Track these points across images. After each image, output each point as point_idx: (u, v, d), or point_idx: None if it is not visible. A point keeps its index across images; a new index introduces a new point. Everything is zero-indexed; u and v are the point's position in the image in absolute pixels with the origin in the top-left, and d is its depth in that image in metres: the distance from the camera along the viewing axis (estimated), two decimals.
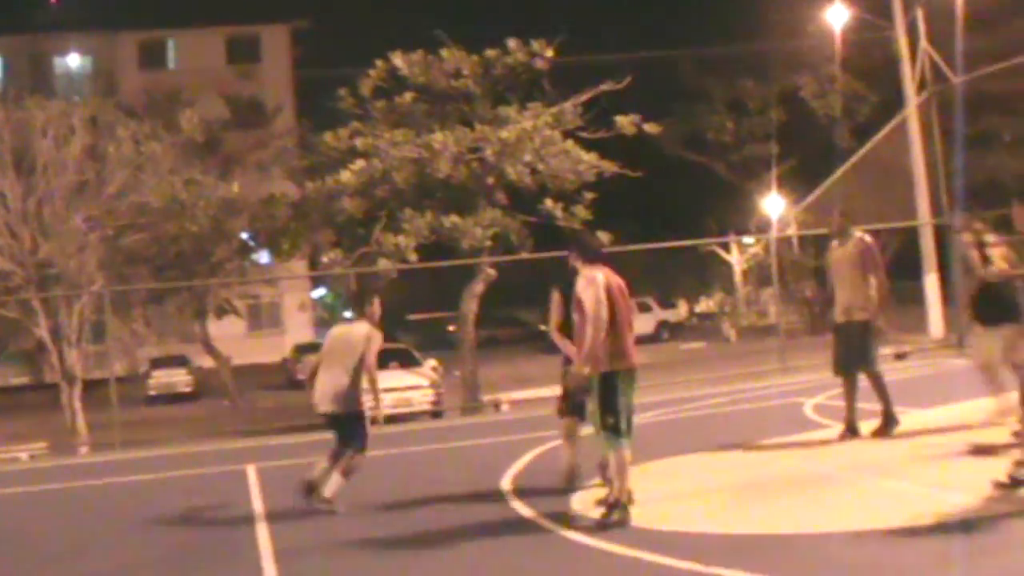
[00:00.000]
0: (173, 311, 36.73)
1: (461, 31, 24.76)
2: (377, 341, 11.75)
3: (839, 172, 27.50)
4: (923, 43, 27.99)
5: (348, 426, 11.80)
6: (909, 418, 13.55)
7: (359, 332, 11.84)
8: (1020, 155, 38.97)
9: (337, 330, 12.31)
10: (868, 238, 13.55)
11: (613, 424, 9.70)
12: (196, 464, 16.72)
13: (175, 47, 60.80)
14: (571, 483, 10.94)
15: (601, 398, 9.78)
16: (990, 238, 12.45)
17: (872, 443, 12.60)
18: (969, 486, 9.60)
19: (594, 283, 9.84)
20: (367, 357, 11.68)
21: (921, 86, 29.24)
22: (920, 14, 28.22)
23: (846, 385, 13.37)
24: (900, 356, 23.78)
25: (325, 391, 11.85)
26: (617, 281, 10.13)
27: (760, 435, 13.81)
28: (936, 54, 27.98)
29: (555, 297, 11.32)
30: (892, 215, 29.63)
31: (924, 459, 11.26)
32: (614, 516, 9.54)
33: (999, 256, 12.28)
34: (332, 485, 11.42)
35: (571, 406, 10.84)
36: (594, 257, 10.30)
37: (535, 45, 23.88)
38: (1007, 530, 8.31)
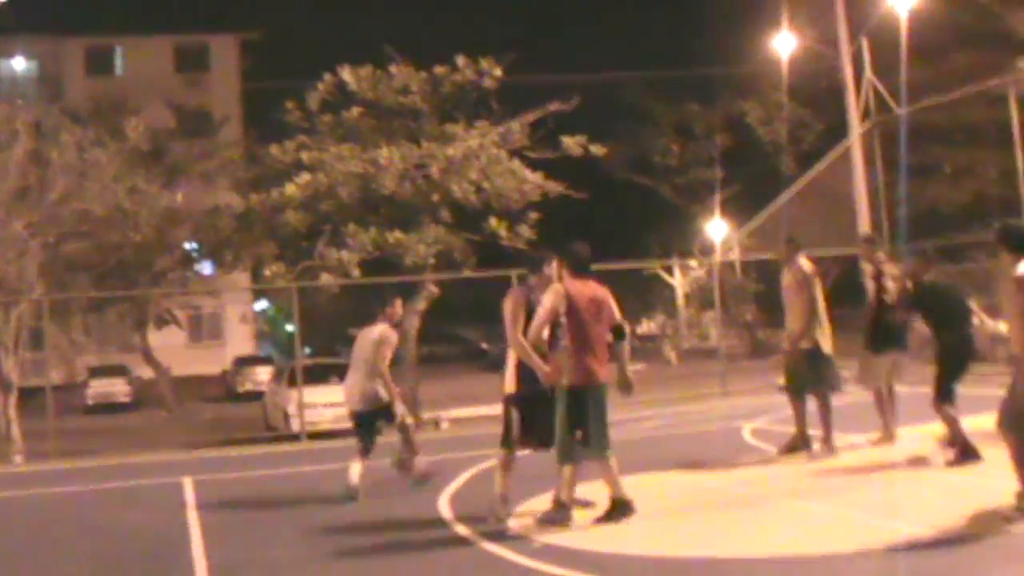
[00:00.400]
0: (113, 320, 36.47)
1: (411, 48, 24.80)
2: (390, 341, 12.62)
3: (782, 198, 27.70)
4: (867, 73, 28.28)
5: (374, 422, 12.84)
6: (846, 442, 13.72)
7: (374, 333, 12.76)
8: (960, 186, 39.49)
9: (361, 332, 13.14)
10: (805, 265, 13.74)
11: (582, 439, 10.05)
12: (132, 475, 16.63)
13: (123, 54, 60.37)
14: (501, 511, 10.81)
15: (567, 413, 10.05)
16: (890, 268, 13.66)
17: (809, 468, 12.72)
18: (906, 511, 9.73)
19: (550, 300, 10.14)
20: (377, 356, 12.50)
21: (865, 115, 29.53)
22: (865, 44, 28.52)
23: (795, 408, 13.66)
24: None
25: (352, 391, 12.89)
26: (593, 295, 10.32)
27: (698, 458, 13.88)
28: (880, 84, 28.29)
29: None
30: (834, 242, 29.87)
31: (861, 484, 11.37)
32: (554, 515, 10.00)
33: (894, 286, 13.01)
34: (418, 464, 12.81)
35: (510, 438, 10.80)
36: (582, 270, 10.50)
37: (484, 64, 23.93)
38: (939, 556, 8.39)
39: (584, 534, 9.74)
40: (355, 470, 12.50)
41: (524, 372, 10.54)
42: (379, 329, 12.76)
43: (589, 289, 10.35)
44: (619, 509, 10.09)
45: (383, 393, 12.70)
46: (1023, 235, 9.72)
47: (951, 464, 12.07)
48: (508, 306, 10.53)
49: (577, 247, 10.67)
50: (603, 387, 10.21)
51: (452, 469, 14.00)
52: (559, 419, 10.10)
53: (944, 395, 12.41)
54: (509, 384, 10.75)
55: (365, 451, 12.71)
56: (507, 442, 10.68)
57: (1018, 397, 9.24)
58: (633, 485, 10.96)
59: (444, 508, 11.47)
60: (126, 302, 33.42)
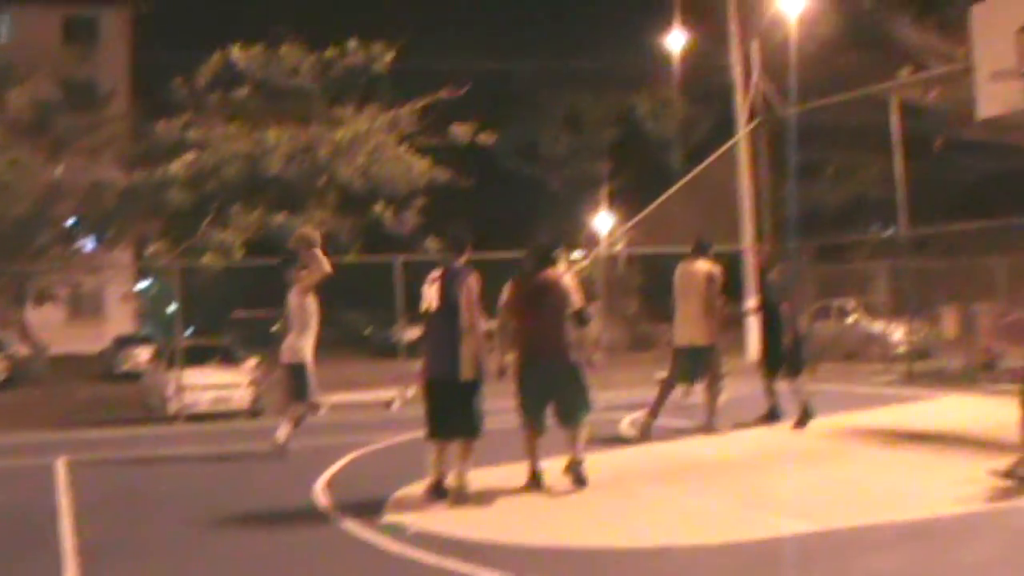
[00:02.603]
0: None
1: (303, 29, 24.64)
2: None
3: (669, 193, 27.93)
4: (756, 73, 28.62)
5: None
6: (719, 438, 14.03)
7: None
8: (841, 188, 40.19)
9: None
10: (711, 265, 15.06)
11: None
12: (3, 455, 16.36)
13: (8, 22, 59.08)
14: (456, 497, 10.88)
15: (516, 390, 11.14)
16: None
17: (689, 458, 12.98)
18: (777, 504, 9.94)
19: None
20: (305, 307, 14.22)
21: (752, 114, 29.89)
22: (755, 44, 28.87)
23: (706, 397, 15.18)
24: None
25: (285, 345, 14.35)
26: (540, 283, 11.08)
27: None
28: (769, 84, 28.65)
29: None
30: (718, 239, 30.18)
31: (734, 477, 11.58)
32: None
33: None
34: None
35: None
36: (543, 262, 11.24)
37: (375, 48, 23.86)
38: (804, 548, 8.57)
39: (460, 520, 9.79)
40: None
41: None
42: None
43: (537, 279, 11.20)
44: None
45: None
46: None
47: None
48: (475, 290, 10.70)
49: (457, 231, 10.94)
50: (541, 364, 11.06)
51: (331, 455, 13.97)
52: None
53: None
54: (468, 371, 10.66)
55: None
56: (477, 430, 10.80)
57: None
58: (508, 475, 11.08)
59: (320, 494, 11.45)
60: (4, 276, 32.76)
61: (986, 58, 16.59)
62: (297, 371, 14.20)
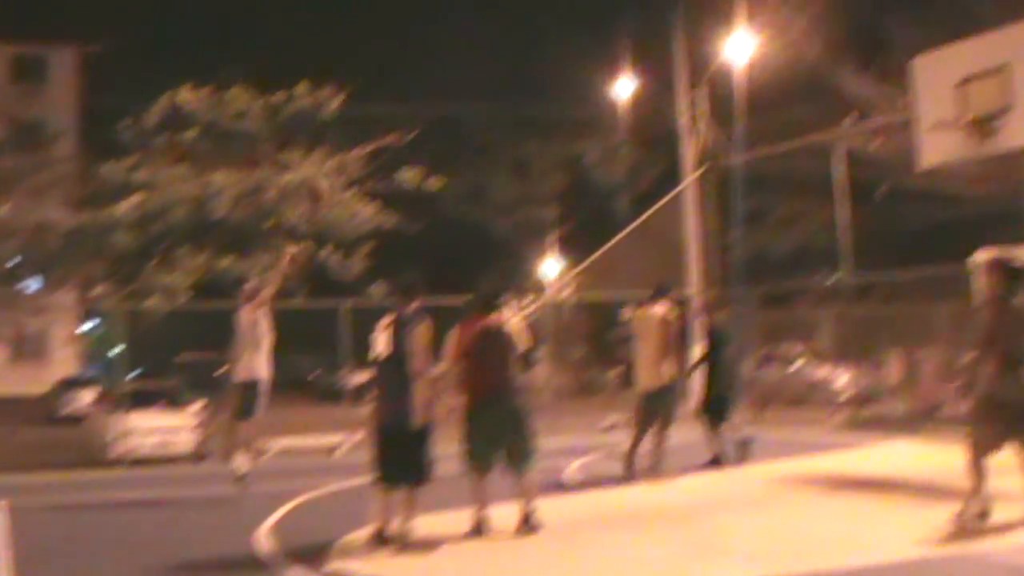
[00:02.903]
0: None
1: (253, 72, 24.63)
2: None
3: (616, 239, 28.09)
4: (702, 121, 28.89)
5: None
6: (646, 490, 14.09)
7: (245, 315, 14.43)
8: (786, 235, 40.60)
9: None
10: (668, 309, 15.30)
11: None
12: None
13: None
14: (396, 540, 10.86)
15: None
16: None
17: (636, 505, 13.04)
18: (727, 551, 9.98)
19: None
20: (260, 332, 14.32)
21: (700, 161, 30.13)
22: (702, 92, 29.15)
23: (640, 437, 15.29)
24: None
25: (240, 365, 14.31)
26: (486, 328, 11.19)
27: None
28: (716, 132, 28.93)
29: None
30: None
31: (682, 523, 11.62)
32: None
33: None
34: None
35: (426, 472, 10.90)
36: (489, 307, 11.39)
37: (324, 92, 23.90)
38: None
39: (405, 568, 9.79)
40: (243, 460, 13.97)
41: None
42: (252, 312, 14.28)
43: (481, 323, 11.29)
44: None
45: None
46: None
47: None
48: (426, 337, 10.73)
49: (409, 277, 10.98)
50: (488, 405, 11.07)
51: (275, 501, 13.90)
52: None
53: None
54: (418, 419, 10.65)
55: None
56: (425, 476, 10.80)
57: None
58: (452, 522, 11.06)
59: (263, 541, 11.37)
60: None
61: (927, 109, 16.80)
62: (250, 388, 14.18)
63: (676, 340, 15.28)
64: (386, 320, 10.77)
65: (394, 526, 10.63)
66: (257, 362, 14.20)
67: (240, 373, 14.25)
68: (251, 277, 22.95)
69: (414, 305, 10.87)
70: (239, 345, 14.28)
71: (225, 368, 15.20)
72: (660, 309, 15.27)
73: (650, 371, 15.07)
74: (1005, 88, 15.43)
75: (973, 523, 10.52)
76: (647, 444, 15.34)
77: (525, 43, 62.13)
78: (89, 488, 17.41)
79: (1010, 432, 10.63)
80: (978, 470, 10.70)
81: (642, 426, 15.31)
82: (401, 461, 10.63)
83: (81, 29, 56.37)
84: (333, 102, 23.82)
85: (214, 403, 21.61)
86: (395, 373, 10.53)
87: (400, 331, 10.57)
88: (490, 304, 11.40)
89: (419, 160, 24.21)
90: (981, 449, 10.71)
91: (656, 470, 15.03)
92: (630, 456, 15.27)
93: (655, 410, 15.12)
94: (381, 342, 10.71)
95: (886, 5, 33.26)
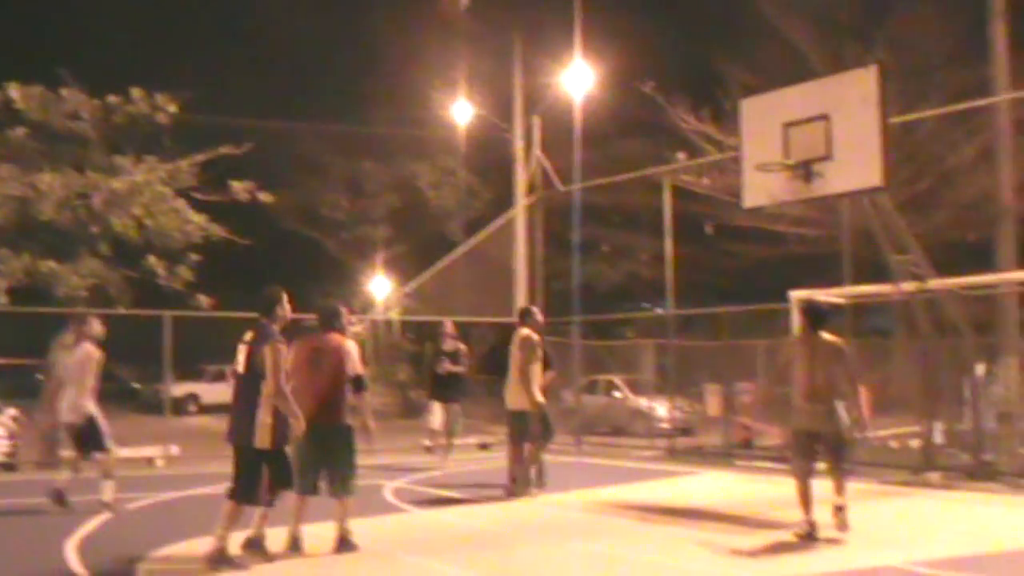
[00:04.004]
0: None
1: (88, 73, 24.20)
2: (96, 359, 14.03)
3: (444, 262, 28.24)
4: (536, 150, 29.15)
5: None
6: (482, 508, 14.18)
7: (80, 352, 14.16)
8: (615, 266, 41.26)
9: (63, 350, 14.81)
10: (532, 333, 15.73)
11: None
12: None
13: None
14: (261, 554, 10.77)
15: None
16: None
17: (456, 529, 13.11)
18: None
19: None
20: (86, 374, 13.99)
21: (531, 190, 30.38)
22: (537, 122, 29.41)
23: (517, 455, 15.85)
24: (484, 446, 24.65)
25: (67, 405, 14.24)
26: (322, 345, 11.30)
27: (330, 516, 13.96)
28: (548, 161, 29.19)
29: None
30: (493, 310, 30.56)
31: (493, 548, 11.71)
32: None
33: None
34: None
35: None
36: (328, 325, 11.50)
37: (159, 98, 23.62)
38: None
39: None
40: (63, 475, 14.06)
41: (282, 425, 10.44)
42: (85, 349, 13.95)
43: (314, 342, 11.38)
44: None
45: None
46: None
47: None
48: (281, 355, 10.44)
49: (269, 292, 10.81)
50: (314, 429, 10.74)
51: (86, 514, 13.63)
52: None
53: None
54: (264, 439, 10.40)
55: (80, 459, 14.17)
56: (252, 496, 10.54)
57: None
58: (268, 539, 11.00)
59: (72, 556, 11.13)
60: None
61: (753, 149, 17.28)
62: (87, 426, 14.09)
63: (536, 362, 15.58)
64: (247, 336, 10.63)
65: (211, 542, 10.44)
66: (83, 402, 14.09)
67: (67, 415, 14.15)
68: (73, 282, 22.64)
69: (275, 322, 10.66)
70: (65, 383, 14.18)
71: (41, 375, 15.07)
72: (523, 331, 15.59)
73: (513, 392, 15.62)
74: (826, 136, 16.00)
75: (803, 541, 11.27)
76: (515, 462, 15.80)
77: (365, 61, 61.96)
78: None
79: (825, 460, 11.31)
80: (804, 497, 11.47)
81: (515, 444, 15.81)
82: (239, 478, 10.51)
83: None
84: (169, 108, 23.55)
85: (27, 412, 21.09)
86: (246, 392, 10.37)
87: (255, 348, 10.41)
88: (329, 321, 11.43)
89: (253, 174, 24.06)
90: (801, 478, 11.36)
91: (525, 487, 15.69)
92: (510, 473, 15.81)
93: (524, 429, 15.61)
94: (239, 358, 10.57)
95: (721, 45, 34.16)
